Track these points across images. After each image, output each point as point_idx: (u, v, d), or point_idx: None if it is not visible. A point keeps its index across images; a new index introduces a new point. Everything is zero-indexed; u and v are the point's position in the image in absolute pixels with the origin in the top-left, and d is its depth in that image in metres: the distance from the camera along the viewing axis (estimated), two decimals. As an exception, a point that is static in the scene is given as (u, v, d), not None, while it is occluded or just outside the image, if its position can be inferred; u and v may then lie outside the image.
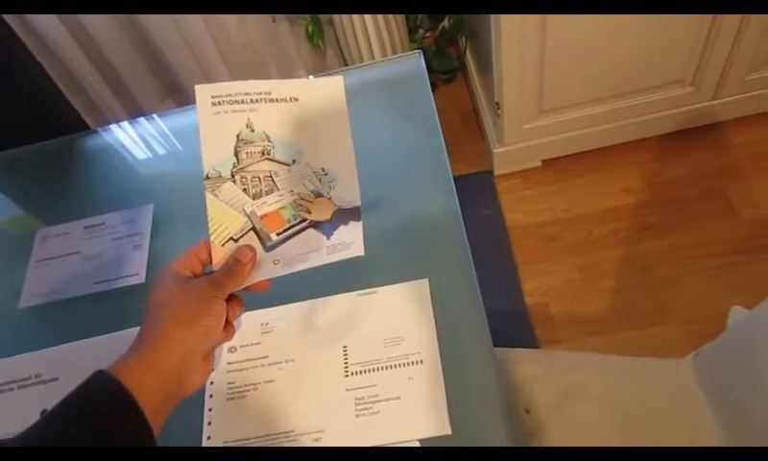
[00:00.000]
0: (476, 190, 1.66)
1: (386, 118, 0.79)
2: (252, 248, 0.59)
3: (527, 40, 1.24)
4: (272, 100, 0.65)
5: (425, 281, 0.65)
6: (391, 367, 0.61)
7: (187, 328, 0.51)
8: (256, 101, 0.65)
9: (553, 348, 1.40)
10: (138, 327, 0.52)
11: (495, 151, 1.57)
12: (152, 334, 0.51)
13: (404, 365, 0.61)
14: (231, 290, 0.56)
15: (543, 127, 1.49)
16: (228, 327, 0.57)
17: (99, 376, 0.47)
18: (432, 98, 0.77)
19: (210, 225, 0.61)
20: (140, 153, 0.85)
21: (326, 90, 0.66)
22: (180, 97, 1.80)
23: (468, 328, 0.62)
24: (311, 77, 0.74)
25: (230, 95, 0.64)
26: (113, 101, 1.71)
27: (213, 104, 0.64)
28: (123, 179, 0.83)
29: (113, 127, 0.89)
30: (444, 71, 1.80)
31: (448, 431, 0.57)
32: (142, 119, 0.89)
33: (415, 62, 0.82)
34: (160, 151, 0.85)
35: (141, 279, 0.72)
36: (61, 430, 0.44)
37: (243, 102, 0.65)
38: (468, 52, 1.73)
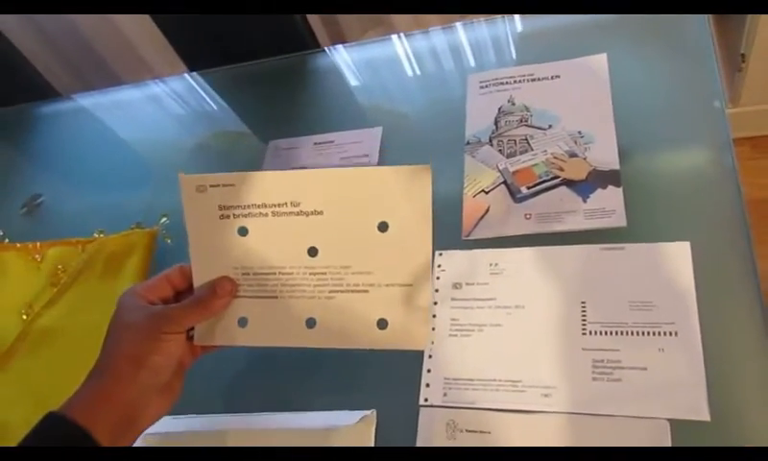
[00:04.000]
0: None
1: (648, 52, 0.69)
2: (231, 281, 0.53)
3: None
4: (534, 79, 0.73)
5: (686, 245, 0.57)
6: (637, 333, 0.55)
7: (134, 367, 0.47)
8: (519, 81, 0.73)
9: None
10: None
11: (727, 111, 1.37)
12: (102, 368, 0.48)
13: (654, 334, 0.54)
14: (193, 324, 0.52)
15: (795, 87, 1.27)
16: (197, 349, 0.54)
17: (48, 419, 0.45)
18: (709, 31, 0.66)
19: (466, 180, 0.68)
20: (369, 76, 0.84)
21: (589, 66, 0.70)
22: (381, 29, 1.80)
23: (737, 305, 0.53)
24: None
25: (497, 79, 0.75)
26: (321, 29, 1.74)
27: (481, 87, 0.75)
28: (352, 99, 0.83)
29: (343, 47, 0.89)
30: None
31: (706, 417, 0.49)
32: (370, 42, 0.87)
33: (687, -8, 0.70)
34: (388, 76, 0.83)
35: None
36: None
37: (507, 83, 0.74)
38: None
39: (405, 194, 0.52)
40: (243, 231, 0.54)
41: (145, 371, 0.48)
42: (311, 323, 0.53)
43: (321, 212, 0.53)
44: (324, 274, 0.53)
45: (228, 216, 0.54)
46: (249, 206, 0.54)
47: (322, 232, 0.53)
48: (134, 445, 0.49)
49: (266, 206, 0.54)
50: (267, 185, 0.54)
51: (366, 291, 0.53)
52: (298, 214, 0.53)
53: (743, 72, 1.25)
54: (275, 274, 0.54)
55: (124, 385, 0.47)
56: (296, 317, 0.53)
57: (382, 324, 0.52)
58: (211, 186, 0.54)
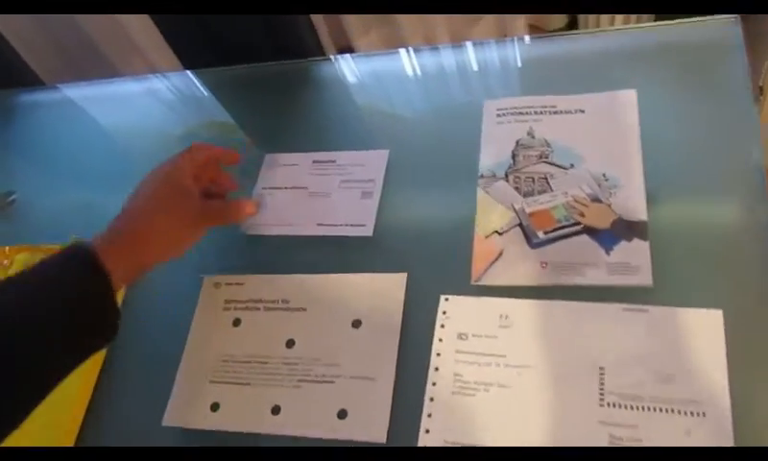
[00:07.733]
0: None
1: (681, 90, 0.64)
2: (255, 206, 0.68)
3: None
4: (556, 112, 0.67)
5: (718, 313, 0.51)
6: (661, 410, 0.49)
7: (169, 248, 0.58)
8: (540, 112, 0.67)
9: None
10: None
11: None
12: (137, 232, 0.56)
13: (679, 413, 0.49)
14: (216, 225, 0.64)
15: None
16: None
17: (79, 252, 0.52)
18: (749, 78, 0.61)
19: (477, 217, 0.62)
20: (377, 91, 0.78)
21: (616, 102, 0.64)
22: (383, 32, 1.73)
23: (774, 386, 0.48)
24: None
25: (516, 108, 0.68)
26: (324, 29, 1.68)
27: (498, 115, 0.69)
28: (357, 114, 0.77)
29: (351, 57, 0.83)
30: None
31: (736, 514, 0.44)
32: (378, 55, 0.82)
33: (728, 29, 0.66)
34: (399, 92, 0.77)
35: (368, 231, 0.65)
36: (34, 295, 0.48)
37: (527, 113, 0.68)
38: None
39: (381, 296, 0.59)
40: (237, 322, 0.62)
41: (175, 252, 0.59)
42: (276, 410, 0.57)
43: (305, 309, 0.61)
44: (296, 364, 0.58)
45: (229, 308, 0.63)
46: (247, 301, 0.63)
47: (302, 326, 0.60)
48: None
49: (261, 301, 0.63)
50: (268, 285, 0.63)
51: (332, 382, 0.57)
52: (285, 310, 0.61)
53: (762, 102, 1.21)
54: (250, 362, 0.60)
55: (149, 253, 0.57)
56: (263, 404, 0.57)
57: (342, 414, 0.55)
58: (226, 284, 0.64)
